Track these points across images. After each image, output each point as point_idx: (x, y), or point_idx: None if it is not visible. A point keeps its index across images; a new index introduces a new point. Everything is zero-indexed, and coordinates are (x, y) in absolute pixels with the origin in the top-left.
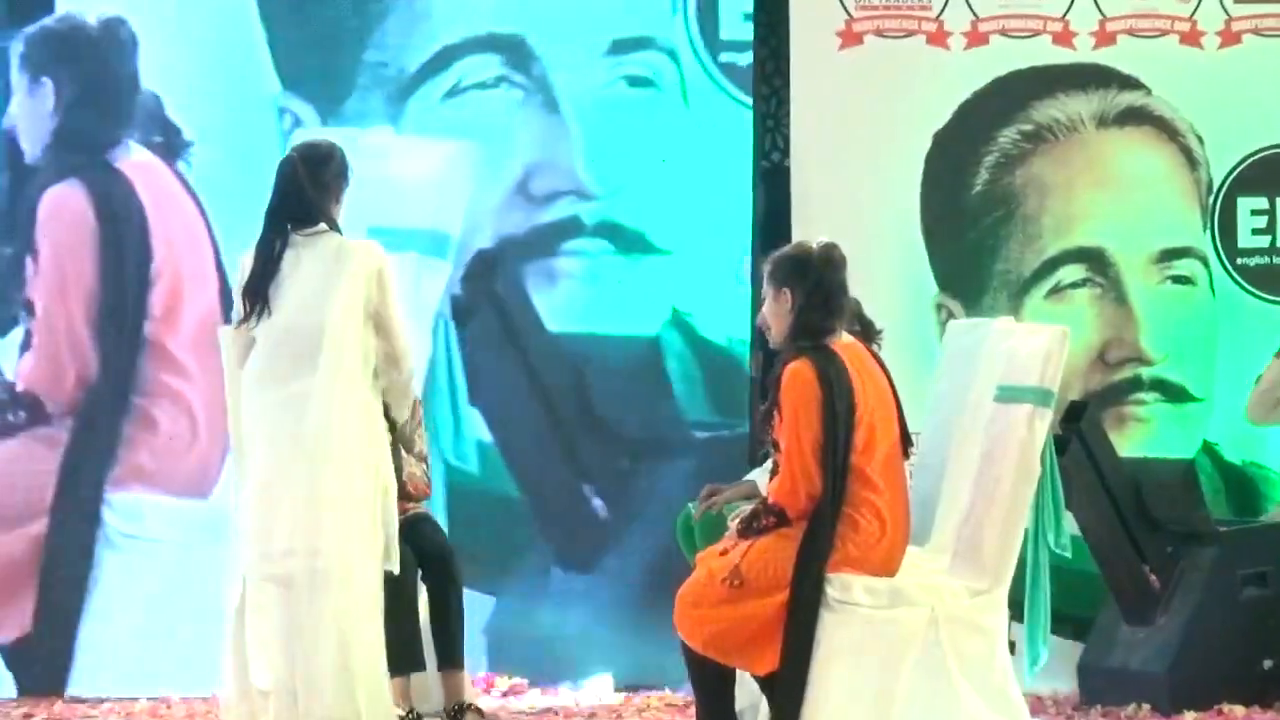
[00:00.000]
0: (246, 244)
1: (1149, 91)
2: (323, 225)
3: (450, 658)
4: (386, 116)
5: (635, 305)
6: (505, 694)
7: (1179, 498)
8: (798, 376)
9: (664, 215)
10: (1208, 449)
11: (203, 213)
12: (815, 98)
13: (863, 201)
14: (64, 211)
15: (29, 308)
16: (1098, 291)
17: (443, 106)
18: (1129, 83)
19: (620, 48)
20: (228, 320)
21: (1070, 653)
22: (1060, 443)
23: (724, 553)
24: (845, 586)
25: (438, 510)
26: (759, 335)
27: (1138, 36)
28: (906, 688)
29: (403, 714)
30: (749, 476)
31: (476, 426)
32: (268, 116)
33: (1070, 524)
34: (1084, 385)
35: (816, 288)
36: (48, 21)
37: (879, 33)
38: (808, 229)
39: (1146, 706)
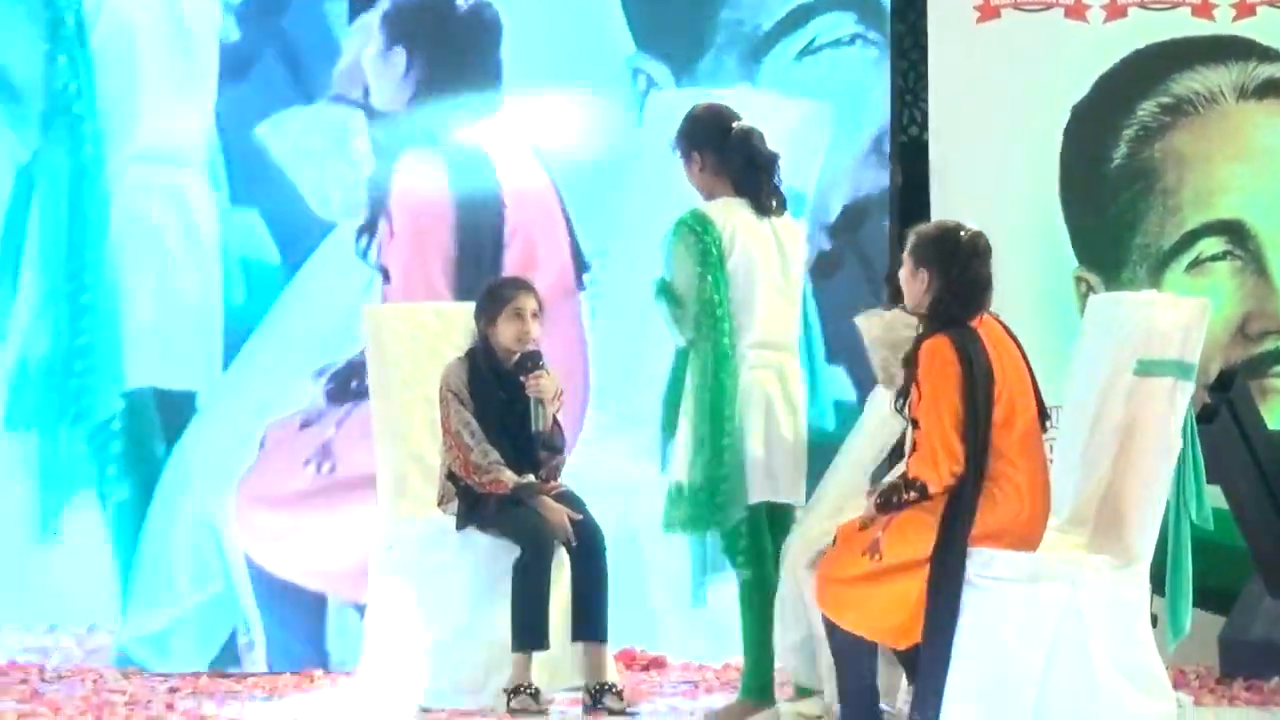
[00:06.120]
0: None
1: None
2: None
3: (594, 633)
4: (740, 76)
5: None
6: (646, 668)
7: None
8: (937, 353)
9: None
10: None
11: (550, 176)
12: (953, 71)
13: (1001, 175)
14: (420, 177)
15: (384, 274)
16: (1238, 264)
17: (797, 65)
18: (1269, 55)
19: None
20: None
21: (1212, 626)
22: (1209, 412)
23: (863, 527)
24: (986, 561)
25: None
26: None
27: (1278, 8)
28: (1047, 661)
29: (522, 686)
30: None
31: (836, 385)
32: (622, 77)
33: (1212, 497)
34: (1225, 358)
35: (960, 279)
36: None
37: (1017, 6)
38: (946, 202)
39: None
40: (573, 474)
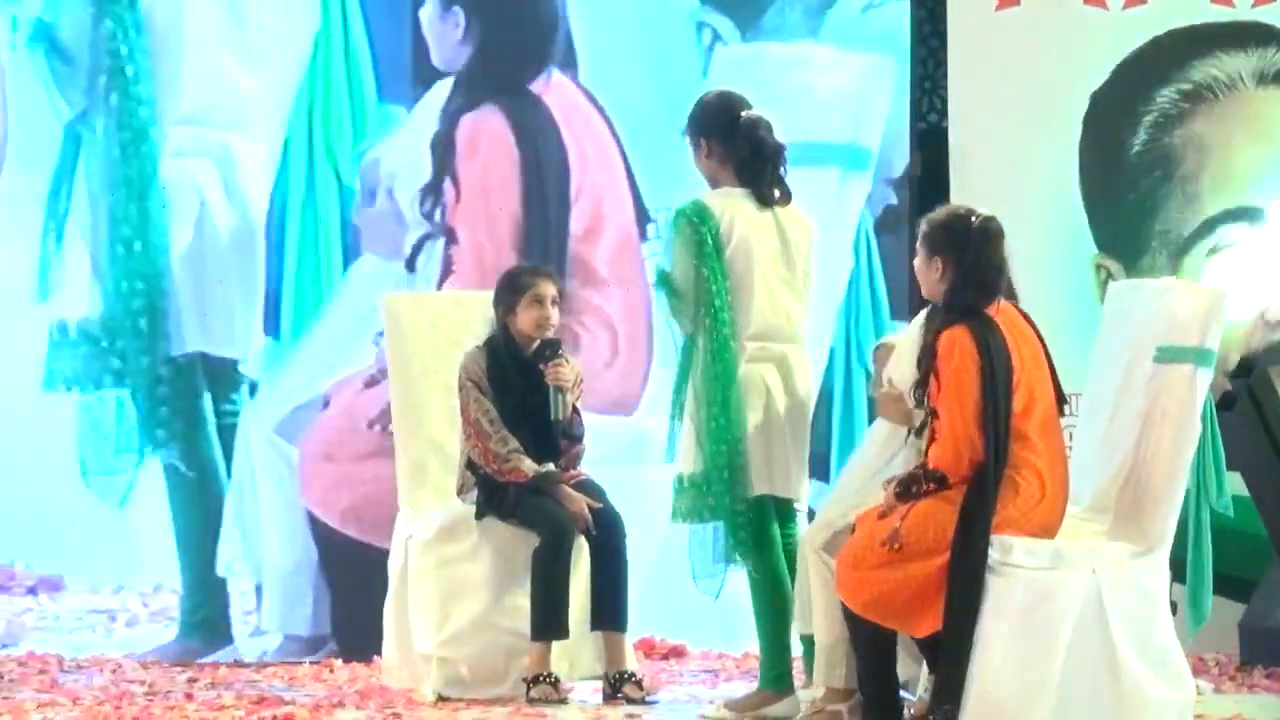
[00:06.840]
0: (660, 162)
1: None
2: None
3: (614, 621)
4: (805, 30)
5: None
6: (665, 656)
7: None
8: (956, 344)
9: None
10: None
11: (613, 131)
12: (972, 58)
13: (1021, 162)
14: (484, 137)
15: (450, 235)
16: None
17: (862, 19)
18: None
19: None
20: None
21: (1232, 613)
22: (1229, 399)
23: (883, 516)
24: (1006, 548)
25: None
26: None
27: None
28: (1068, 649)
29: (541, 675)
30: None
31: None
32: (686, 31)
33: (1232, 484)
34: (1245, 345)
35: (973, 267)
36: None
37: None
38: (966, 190)
39: None
40: (635, 433)
